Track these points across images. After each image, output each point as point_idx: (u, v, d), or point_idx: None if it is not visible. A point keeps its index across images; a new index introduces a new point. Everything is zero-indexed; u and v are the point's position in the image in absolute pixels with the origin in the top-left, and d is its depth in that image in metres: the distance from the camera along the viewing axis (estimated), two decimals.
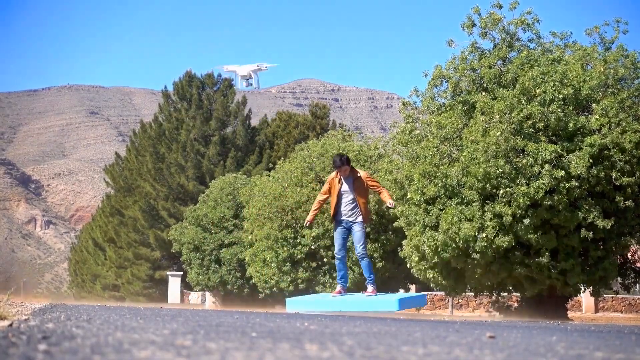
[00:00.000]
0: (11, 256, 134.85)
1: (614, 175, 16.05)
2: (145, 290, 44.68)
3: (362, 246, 10.55)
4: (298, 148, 28.35)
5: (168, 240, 38.72)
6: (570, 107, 16.46)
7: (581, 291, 18.88)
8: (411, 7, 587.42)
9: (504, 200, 16.01)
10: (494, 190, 16.26)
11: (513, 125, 16.02)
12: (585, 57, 17.44)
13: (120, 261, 46.51)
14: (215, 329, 4.36)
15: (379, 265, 23.27)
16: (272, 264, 25.25)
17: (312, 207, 11.35)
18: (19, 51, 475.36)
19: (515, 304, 21.17)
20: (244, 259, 28.35)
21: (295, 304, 11.34)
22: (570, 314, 22.20)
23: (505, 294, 20.20)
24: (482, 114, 16.71)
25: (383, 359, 2.88)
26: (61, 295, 70.06)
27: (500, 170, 15.86)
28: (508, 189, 15.90)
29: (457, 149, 17.29)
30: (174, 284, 39.73)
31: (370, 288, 10.63)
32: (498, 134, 15.91)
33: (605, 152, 16.20)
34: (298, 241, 24.83)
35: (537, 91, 16.32)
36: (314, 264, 24.88)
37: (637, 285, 19.26)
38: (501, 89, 17.06)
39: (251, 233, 26.54)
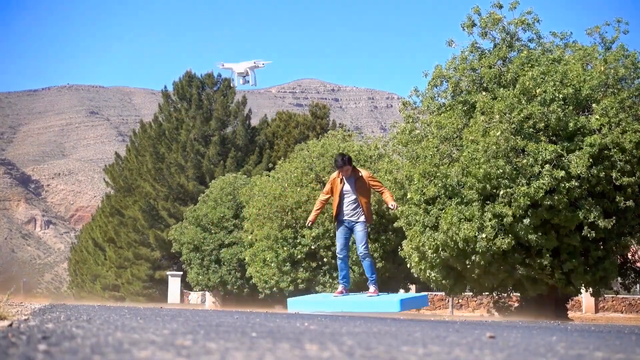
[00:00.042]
0: (11, 256, 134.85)
1: (614, 175, 16.05)
2: (145, 290, 44.68)
3: (364, 246, 10.53)
4: (298, 148, 28.35)
5: (168, 240, 38.72)
6: (571, 107, 16.46)
7: (582, 291, 18.88)
8: (411, 7, 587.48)
9: (505, 200, 16.01)
10: (494, 191, 16.26)
11: (513, 125, 16.02)
12: (586, 57, 17.45)
13: (120, 261, 46.51)
14: (215, 329, 4.36)
15: (379, 265, 23.27)
16: (272, 264, 25.25)
17: (314, 207, 11.31)
18: (19, 51, 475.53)
19: (516, 304, 21.17)
20: (244, 259, 28.35)
21: (297, 304, 11.32)
22: (570, 314, 22.20)
23: (505, 294, 20.20)
24: (482, 114, 16.71)
25: (383, 359, 2.88)
26: (61, 295, 70.07)
27: (501, 170, 15.86)
28: (508, 189, 15.90)
29: (457, 149, 17.29)
30: (174, 284, 39.73)
31: (372, 288, 10.61)
32: (498, 134, 15.91)
33: (606, 152, 16.20)
34: (298, 241, 24.83)
35: (538, 91, 16.32)
36: (314, 264, 24.89)
37: (637, 285, 19.26)
38: (501, 89, 17.06)
39: (251, 233, 26.54)
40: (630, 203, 16.17)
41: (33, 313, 8.17)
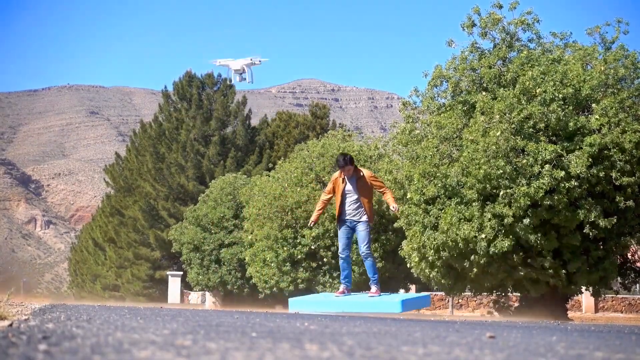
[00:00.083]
0: (11, 256, 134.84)
1: (613, 175, 16.05)
2: (145, 290, 44.68)
3: (367, 246, 10.51)
4: (298, 148, 28.35)
5: (168, 240, 38.72)
6: (570, 107, 16.46)
7: (582, 291, 18.88)
8: (411, 7, 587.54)
9: (505, 201, 16.00)
10: (494, 191, 16.26)
11: (513, 126, 16.03)
12: (586, 57, 17.45)
13: (120, 261, 46.51)
14: (215, 329, 4.36)
15: (379, 265, 23.28)
16: (272, 264, 25.25)
17: (315, 207, 11.27)
18: (19, 51, 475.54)
19: (516, 304, 21.17)
20: (244, 259, 28.35)
21: (298, 304, 11.30)
22: (570, 314, 22.20)
23: (505, 294, 20.20)
24: (482, 114, 16.71)
25: (383, 359, 2.88)
26: (61, 295, 70.06)
27: (501, 171, 15.85)
28: (508, 190, 15.90)
29: (457, 149, 17.29)
30: (174, 284, 39.73)
31: (373, 288, 10.58)
32: (498, 134, 15.91)
33: (605, 152, 16.20)
34: (298, 241, 24.83)
35: (538, 91, 16.33)
36: (314, 264, 24.89)
37: (638, 285, 19.27)
38: (501, 89, 17.07)
39: (251, 233, 26.54)
40: (630, 203, 16.17)
41: (33, 313, 8.17)
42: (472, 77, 17.83)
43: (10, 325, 4.86)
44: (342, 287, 10.79)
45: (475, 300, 33.00)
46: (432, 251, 17.21)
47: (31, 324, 4.77)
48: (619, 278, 18.58)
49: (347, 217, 10.60)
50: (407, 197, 17.86)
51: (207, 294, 36.05)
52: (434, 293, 30.63)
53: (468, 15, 18.47)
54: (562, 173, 15.64)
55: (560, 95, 16.32)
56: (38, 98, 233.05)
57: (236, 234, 31.41)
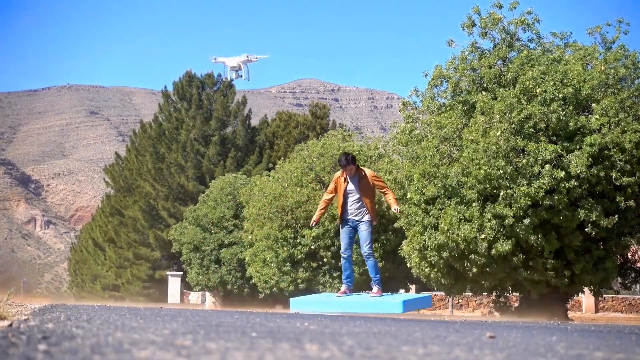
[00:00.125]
0: (11, 256, 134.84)
1: (614, 175, 16.05)
2: (145, 290, 44.67)
3: (369, 246, 10.46)
4: (298, 148, 28.36)
5: (168, 240, 38.72)
6: (571, 107, 16.46)
7: (584, 290, 18.90)
8: (411, 7, 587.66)
9: (505, 202, 16.00)
10: (494, 191, 16.25)
11: (513, 126, 16.03)
12: (586, 57, 17.45)
13: (120, 261, 46.51)
14: (215, 329, 4.36)
15: (379, 265, 23.29)
16: (272, 264, 25.25)
17: (318, 206, 11.22)
18: (19, 51, 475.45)
19: (516, 304, 21.17)
20: (244, 259, 28.35)
21: (300, 304, 11.27)
22: (570, 314, 22.20)
23: (505, 294, 20.20)
24: (482, 114, 16.71)
25: (383, 359, 2.88)
26: (61, 295, 70.06)
27: (501, 171, 15.85)
28: (508, 190, 15.89)
29: (457, 149, 17.29)
30: (174, 284, 39.73)
31: (375, 288, 10.54)
32: (498, 134, 15.91)
33: (606, 152, 16.21)
34: (298, 241, 24.83)
35: (538, 91, 16.33)
36: (314, 264, 24.89)
37: (638, 285, 19.29)
38: (501, 89, 17.07)
39: (251, 233, 26.54)
40: (630, 203, 16.17)
41: (33, 313, 8.17)
42: (472, 77, 17.83)
43: (10, 325, 4.86)
44: (343, 287, 10.76)
45: (475, 300, 33.01)
46: (433, 252, 17.21)
47: (31, 324, 4.77)
48: (619, 278, 18.59)
49: (350, 217, 10.55)
50: (407, 197, 17.86)
51: (207, 294, 36.04)
52: (434, 293, 30.64)
53: (468, 15, 18.48)
54: (562, 173, 15.64)
55: (561, 95, 16.32)
56: (38, 98, 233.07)
57: (236, 234, 31.40)
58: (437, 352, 3.22)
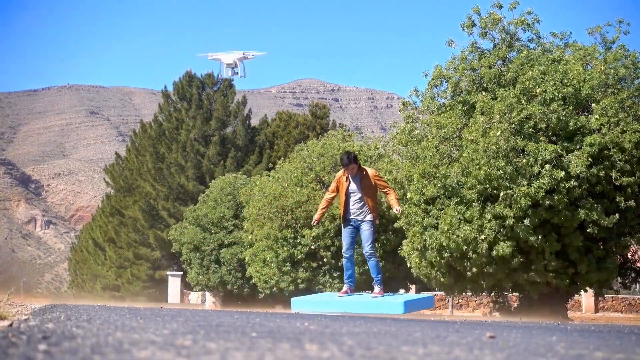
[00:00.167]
0: (11, 256, 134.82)
1: (613, 175, 16.05)
2: (145, 290, 44.68)
3: (370, 245, 10.41)
4: (298, 148, 28.36)
5: (168, 240, 38.72)
6: (570, 107, 16.46)
7: (582, 291, 18.90)
8: (411, 7, 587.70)
9: (505, 202, 15.99)
10: (494, 192, 16.25)
11: (513, 126, 16.03)
12: (586, 57, 17.45)
13: (120, 261, 46.51)
14: (215, 329, 4.36)
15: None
16: (272, 264, 25.24)
17: (319, 205, 11.15)
18: (19, 51, 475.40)
19: (516, 304, 21.17)
20: (244, 259, 28.35)
21: (301, 304, 11.24)
22: (570, 314, 22.20)
23: (505, 294, 20.20)
24: (482, 114, 16.71)
25: (383, 359, 2.88)
26: (61, 295, 70.04)
27: (501, 171, 15.85)
28: (508, 190, 15.89)
29: (457, 149, 17.29)
30: (174, 284, 39.73)
31: (377, 289, 10.50)
32: (498, 134, 15.91)
33: (605, 152, 16.21)
34: (298, 241, 24.83)
35: (538, 91, 16.33)
36: (314, 264, 24.89)
37: (637, 284, 19.31)
38: (501, 89, 17.07)
39: (251, 233, 26.53)
40: (630, 203, 16.17)
41: (33, 313, 8.17)
42: (472, 77, 17.84)
43: (10, 325, 4.86)
44: (345, 287, 10.72)
45: (475, 300, 33.01)
46: (433, 252, 17.20)
47: (31, 324, 4.77)
48: (618, 278, 18.60)
49: (352, 217, 10.50)
50: (407, 197, 17.87)
51: (207, 294, 36.04)
52: (434, 293, 30.65)
53: (468, 15, 18.48)
54: (562, 173, 15.64)
55: (560, 95, 16.33)
56: (38, 98, 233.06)
57: (236, 234, 31.40)
58: (437, 352, 3.22)
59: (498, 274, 17.07)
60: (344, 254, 10.64)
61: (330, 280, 24.57)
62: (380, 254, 23.67)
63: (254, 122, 50.36)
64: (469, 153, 16.40)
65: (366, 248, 10.44)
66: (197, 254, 32.54)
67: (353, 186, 10.51)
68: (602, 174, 16.02)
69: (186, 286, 40.10)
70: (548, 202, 15.88)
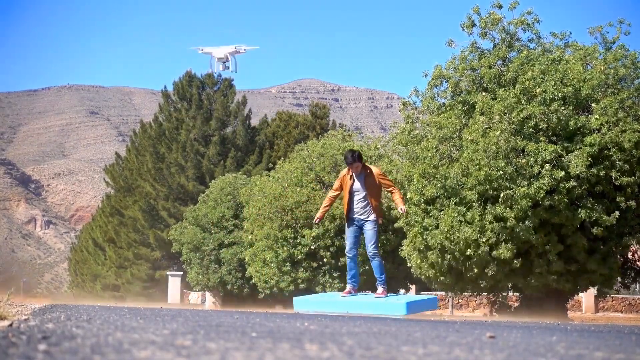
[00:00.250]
0: (11, 256, 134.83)
1: (613, 175, 16.05)
2: (145, 290, 44.67)
3: (374, 245, 10.33)
4: (298, 148, 28.36)
5: (168, 240, 38.71)
6: (570, 107, 16.46)
7: (585, 289, 18.90)
8: (411, 7, 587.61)
9: (506, 204, 15.97)
10: (495, 192, 16.24)
11: (513, 126, 16.02)
12: (586, 57, 17.45)
13: (120, 261, 46.51)
14: (215, 329, 4.36)
15: None
16: (272, 264, 25.24)
17: (322, 203, 11.04)
18: (19, 51, 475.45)
19: (516, 304, 21.17)
20: (244, 259, 28.34)
21: (303, 304, 11.19)
22: (570, 314, 22.20)
23: (505, 294, 20.20)
24: (482, 114, 16.71)
25: (383, 359, 2.88)
26: (61, 295, 70.05)
27: (501, 172, 15.84)
28: (508, 191, 15.88)
29: (457, 149, 17.29)
30: (174, 284, 39.72)
31: (380, 289, 10.43)
32: (498, 133, 15.90)
33: (605, 151, 16.20)
34: (298, 241, 24.82)
35: (538, 91, 16.33)
36: (314, 264, 24.88)
37: (637, 284, 19.34)
38: (501, 89, 17.07)
39: (251, 233, 26.53)
40: (631, 203, 16.17)
41: (33, 313, 8.17)
42: (472, 77, 17.83)
43: (10, 325, 4.86)
44: (348, 287, 10.65)
45: (475, 300, 33.01)
46: (434, 253, 17.18)
47: (31, 324, 4.77)
48: (619, 278, 18.61)
49: (355, 216, 10.39)
50: (407, 197, 17.87)
51: (207, 294, 36.03)
52: (435, 293, 30.65)
53: (468, 15, 18.48)
54: (562, 173, 15.64)
55: (560, 95, 16.32)
56: (38, 98, 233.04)
57: (236, 234, 31.39)
58: (437, 352, 3.22)
59: (498, 274, 17.07)
60: (347, 254, 10.55)
61: (330, 280, 24.56)
62: (380, 254, 23.64)
63: (254, 122, 50.36)
64: (469, 153, 16.39)
65: (370, 248, 10.36)
66: (197, 254, 32.53)
67: (357, 185, 10.37)
68: (602, 173, 16.02)
69: (186, 286, 40.09)
70: (548, 203, 15.88)
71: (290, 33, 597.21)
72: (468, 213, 16.40)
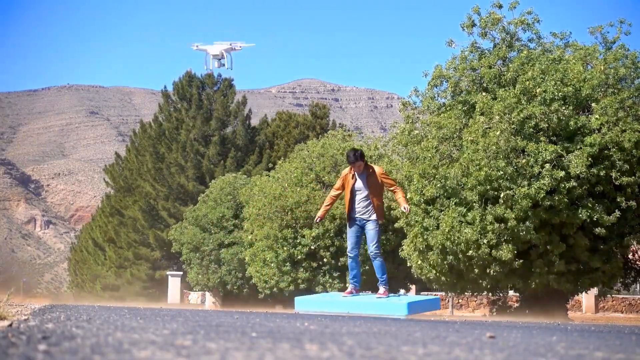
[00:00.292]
0: (11, 256, 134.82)
1: (613, 175, 16.05)
2: (145, 290, 44.67)
3: (376, 245, 10.27)
4: (298, 148, 28.36)
5: (168, 240, 38.71)
6: (571, 107, 16.46)
7: (586, 290, 18.91)
8: (411, 7, 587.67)
9: (507, 204, 15.97)
10: (495, 193, 16.23)
11: (513, 126, 16.02)
12: (586, 57, 17.45)
13: (120, 261, 46.51)
14: (215, 329, 4.35)
15: None
16: (272, 264, 25.23)
17: (324, 202, 10.95)
18: (19, 51, 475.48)
19: (516, 304, 21.17)
20: (244, 259, 28.34)
21: (304, 304, 11.16)
22: (570, 314, 22.20)
23: (505, 293, 20.20)
24: (482, 114, 16.71)
25: (383, 359, 2.88)
26: (61, 295, 70.05)
27: (502, 172, 15.83)
28: (509, 191, 15.87)
29: (457, 149, 17.28)
30: (174, 284, 39.72)
31: (381, 289, 10.37)
32: (498, 133, 15.90)
33: (605, 151, 16.20)
34: (298, 241, 24.82)
35: (538, 91, 16.33)
36: (314, 264, 24.88)
37: (638, 284, 19.35)
38: (501, 89, 17.06)
39: (251, 233, 26.52)
40: (631, 203, 16.17)
41: (33, 313, 8.17)
42: (472, 77, 17.83)
43: (10, 325, 4.86)
44: (350, 287, 10.60)
45: (475, 300, 33.01)
46: (435, 253, 17.17)
47: (31, 324, 4.77)
48: (620, 277, 18.62)
49: (357, 215, 10.33)
50: (407, 197, 17.87)
51: (207, 294, 36.03)
52: (435, 293, 30.64)
53: (468, 15, 18.47)
54: (562, 173, 15.64)
55: (561, 95, 16.32)
56: (38, 98, 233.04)
57: (236, 234, 31.39)
58: (437, 352, 3.22)
59: (499, 274, 17.06)
60: (349, 254, 10.50)
61: (330, 280, 24.56)
62: (381, 254, 23.65)
63: (254, 122, 50.37)
64: (469, 154, 16.39)
65: (371, 248, 10.30)
66: (197, 254, 32.53)
67: (359, 184, 10.32)
68: (602, 173, 16.02)
69: (186, 286, 40.10)
70: (548, 203, 15.87)
71: (290, 33, 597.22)
72: (469, 214, 16.39)
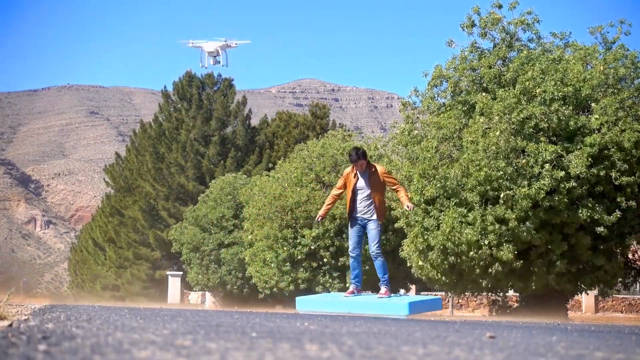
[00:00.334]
0: (11, 256, 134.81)
1: (613, 175, 16.04)
2: (145, 290, 44.66)
3: (377, 245, 10.20)
4: (298, 148, 28.36)
5: (168, 240, 38.71)
6: (571, 107, 16.46)
7: (586, 290, 18.90)
8: (411, 7, 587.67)
9: (507, 204, 15.96)
10: (495, 193, 16.23)
11: (513, 126, 16.02)
12: (586, 57, 17.45)
13: (120, 261, 46.50)
14: (215, 329, 4.35)
15: None
16: (272, 264, 25.23)
17: (325, 201, 10.90)
18: (19, 51, 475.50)
19: (516, 304, 21.17)
20: (244, 259, 28.34)
21: (305, 304, 11.13)
22: (570, 314, 22.20)
23: (505, 293, 20.19)
24: (482, 114, 16.70)
25: (383, 359, 2.88)
26: (61, 295, 70.05)
27: (501, 172, 15.83)
28: (509, 191, 15.87)
29: (457, 150, 17.28)
30: (174, 284, 39.71)
31: (383, 289, 10.33)
32: (497, 134, 15.90)
33: (605, 151, 16.20)
34: (298, 241, 24.82)
35: (538, 91, 16.32)
36: (314, 264, 24.88)
37: (638, 284, 19.35)
38: (501, 89, 17.06)
39: (251, 233, 26.52)
40: (631, 203, 16.17)
41: (33, 313, 8.17)
42: (472, 77, 17.82)
43: (10, 325, 4.86)
44: (351, 287, 10.55)
45: (475, 300, 33.01)
46: (435, 253, 17.16)
47: (31, 324, 4.77)
48: (620, 278, 18.62)
49: (359, 215, 10.27)
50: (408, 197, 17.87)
51: (207, 294, 36.03)
52: (435, 293, 30.63)
53: (468, 15, 18.47)
54: (562, 173, 15.64)
55: (561, 95, 16.32)
56: (38, 98, 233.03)
57: (236, 234, 31.39)
58: (437, 352, 3.22)
59: (499, 274, 17.06)
60: (350, 254, 10.44)
61: (331, 280, 24.55)
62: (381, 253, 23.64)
63: (254, 122, 50.37)
64: (469, 154, 16.39)
65: (373, 248, 10.25)
66: (197, 254, 32.53)
67: (361, 183, 10.26)
68: (602, 173, 16.01)
69: (186, 286, 40.09)
70: (548, 203, 15.87)
71: (290, 33, 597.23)
72: (469, 215, 16.39)
